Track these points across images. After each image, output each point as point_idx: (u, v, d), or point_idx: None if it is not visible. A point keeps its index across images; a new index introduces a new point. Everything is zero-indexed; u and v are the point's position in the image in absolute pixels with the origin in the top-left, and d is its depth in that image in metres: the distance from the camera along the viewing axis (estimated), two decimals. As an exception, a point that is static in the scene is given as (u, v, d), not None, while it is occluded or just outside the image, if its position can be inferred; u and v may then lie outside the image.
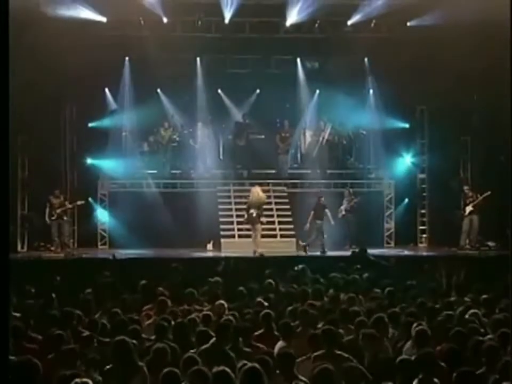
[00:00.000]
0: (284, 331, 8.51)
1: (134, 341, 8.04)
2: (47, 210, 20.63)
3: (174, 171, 23.21)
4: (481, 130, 22.06)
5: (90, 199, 22.01)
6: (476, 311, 9.96)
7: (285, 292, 12.25)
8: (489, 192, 20.53)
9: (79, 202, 21.32)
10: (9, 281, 5.64)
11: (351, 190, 22.23)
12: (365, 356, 7.89)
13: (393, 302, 10.94)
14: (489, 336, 8.51)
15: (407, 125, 24.04)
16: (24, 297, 11.50)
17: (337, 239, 21.21)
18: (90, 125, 22.97)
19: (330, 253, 19.82)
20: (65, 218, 20.71)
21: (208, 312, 10.06)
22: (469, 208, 20.84)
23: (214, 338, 8.15)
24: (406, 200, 23.72)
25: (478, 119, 22.04)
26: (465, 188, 21.60)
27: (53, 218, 20.58)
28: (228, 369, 6.28)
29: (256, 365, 6.33)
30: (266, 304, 10.82)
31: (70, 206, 20.78)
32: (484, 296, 11.50)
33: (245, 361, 6.71)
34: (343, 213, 21.63)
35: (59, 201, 20.63)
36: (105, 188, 22.71)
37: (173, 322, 9.09)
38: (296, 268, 14.79)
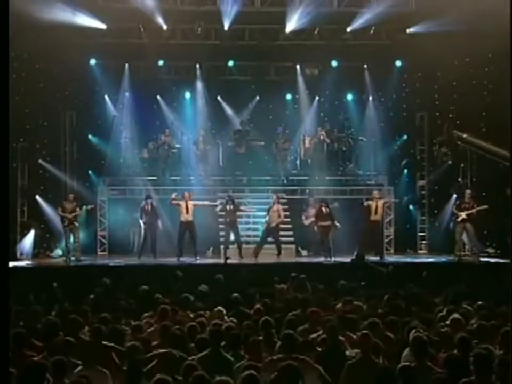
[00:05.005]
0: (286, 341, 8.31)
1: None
2: (60, 215, 20.26)
3: (173, 177, 23.21)
4: (482, 137, 22.04)
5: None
6: (475, 318, 9.96)
7: (285, 299, 12.25)
8: (486, 206, 20.10)
9: (89, 207, 21.25)
10: (9, 288, 5.66)
11: (315, 197, 21.95)
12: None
13: (392, 309, 10.94)
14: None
15: (405, 136, 24.07)
16: (25, 305, 11.50)
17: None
18: (90, 137, 23.07)
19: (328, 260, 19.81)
20: (76, 224, 20.39)
21: (208, 319, 10.06)
22: (462, 216, 20.15)
23: (213, 346, 8.15)
24: (406, 206, 23.74)
25: (478, 125, 22.03)
26: (468, 192, 20.61)
27: (65, 224, 20.07)
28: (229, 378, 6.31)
29: (254, 372, 6.35)
30: (266, 311, 10.81)
31: (79, 211, 20.44)
32: (484, 303, 11.53)
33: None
34: (313, 219, 20.96)
35: (71, 206, 20.10)
36: (105, 194, 22.70)
37: (172, 329, 9.10)
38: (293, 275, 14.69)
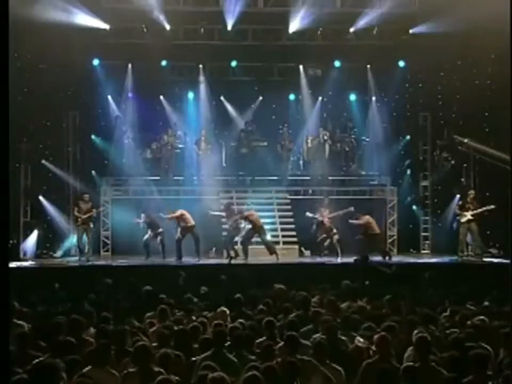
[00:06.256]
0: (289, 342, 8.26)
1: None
2: (75, 215, 20.36)
3: (176, 177, 23.22)
4: (485, 137, 22.02)
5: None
6: (477, 318, 9.95)
7: (287, 299, 12.23)
8: (492, 206, 20.01)
9: (101, 209, 21.32)
10: (9, 288, 5.65)
11: (331, 197, 21.69)
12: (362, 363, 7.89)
13: (395, 309, 10.94)
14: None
15: (408, 137, 24.05)
16: (28, 305, 11.51)
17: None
18: (93, 137, 23.12)
19: (330, 260, 19.78)
20: (90, 224, 20.42)
21: (211, 320, 10.06)
22: (467, 216, 20.25)
23: (216, 346, 8.14)
24: (409, 206, 23.74)
25: (481, 125, 22.01)
26: (471, 192, 20.75)
27: (78, 224, 20.20)
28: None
29: (256, 373, 6.35)
30: (268, 311, 10.81)
31: (94, 211, 20.44)
32: (486, 303, 11.53)
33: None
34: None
35: (87, 207, 20.21)
36: (108, 194, 22.72)
37: (175, 329, 9.10)
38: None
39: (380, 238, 20.62)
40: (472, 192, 20.77)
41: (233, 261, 19.22)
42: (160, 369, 7.16)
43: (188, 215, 19.94)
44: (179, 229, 20.00)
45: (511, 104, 16.68)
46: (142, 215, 20.39)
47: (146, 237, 20.27)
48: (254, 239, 20.32)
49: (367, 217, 20.10)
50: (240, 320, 9.95)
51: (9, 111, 5.16)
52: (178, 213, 19.89)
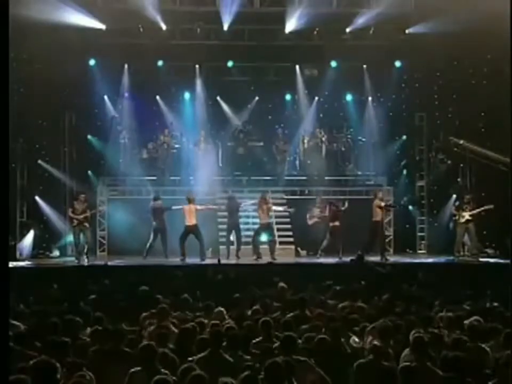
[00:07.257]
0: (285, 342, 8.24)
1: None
2: (70, 216, 20.31)
3: (173, 178, 23.20)
4: (481, 137, 22.04)
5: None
6: (473, 319, 9.96)
7: (284, 300, 12.23)
8: (491, 206, 19.99)
9: (96, 210, 21.39)
10: (9, 289, 5.66)
11: (322, 197, 21.56)
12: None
13: (391, 309, 10.95)
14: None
15: (405, 137, 24.06)
16: (24, 305, 11.50)
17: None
18: (89, 137, 23.10)
19: (327, 260, 19.76)
20: (86, 225, 20.15)
21: (208, 320, 10.05)
22: (466, 217, 20.26)
23: (213, 346, 8.14)
24: (405, 206, 23.75)
25: (477, 125, 22.02)
26: (467, 196, 20.75)
27: (74, 224, 20.08)
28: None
29: (253, 373, 6.36)
30: (264, 311, 10.80)
31: (90, 213, 20.27)
32: (483, 304, 11.54)
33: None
34: (316, 219, 20.81)
35: (82, 207, 20.04)
36: (104, 194, 22.71)
37: (172, 330, 9.11)
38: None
39: (381, 228, 20.52)
40: (468, 196, 20.84)
41: (224, 261, 19.25)
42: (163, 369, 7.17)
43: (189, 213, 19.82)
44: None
45: (511, 104, 16.82)
46: (152, 202, 20.26)
47: (150, 241, 20.17)
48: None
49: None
50: (236, 320, 9.95)
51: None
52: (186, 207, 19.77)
